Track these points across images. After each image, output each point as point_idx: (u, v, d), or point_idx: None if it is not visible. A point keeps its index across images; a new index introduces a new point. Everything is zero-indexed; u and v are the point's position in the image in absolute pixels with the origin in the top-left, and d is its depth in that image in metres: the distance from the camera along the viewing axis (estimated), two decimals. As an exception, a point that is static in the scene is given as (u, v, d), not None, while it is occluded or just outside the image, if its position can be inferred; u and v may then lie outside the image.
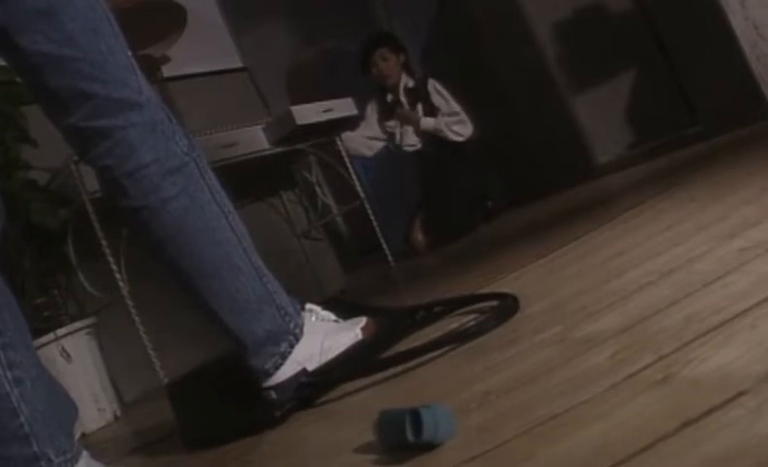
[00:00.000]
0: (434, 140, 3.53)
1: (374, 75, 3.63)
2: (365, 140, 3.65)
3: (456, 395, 0.71)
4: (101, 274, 2.35)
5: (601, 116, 3.27)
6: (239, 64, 3.67)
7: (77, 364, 2.11)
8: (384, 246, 3.18)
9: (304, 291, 1.73)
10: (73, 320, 2.22)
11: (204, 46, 3.32)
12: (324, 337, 1.07)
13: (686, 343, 0.57)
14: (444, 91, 3.52)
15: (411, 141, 3.62)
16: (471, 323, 0.97)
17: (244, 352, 1.01)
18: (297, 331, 1.04)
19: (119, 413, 2.19)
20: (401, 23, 4.38)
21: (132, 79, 0.99)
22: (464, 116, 3.49)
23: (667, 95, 2.88)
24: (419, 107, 3.56)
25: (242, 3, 3.87)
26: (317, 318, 1.12)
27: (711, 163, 1.94)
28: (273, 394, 1.00)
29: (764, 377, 0.45)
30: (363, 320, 1.17)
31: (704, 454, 0.39)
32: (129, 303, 2.24)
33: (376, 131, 3.69)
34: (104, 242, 2.24)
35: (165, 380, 2.13)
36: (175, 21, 2.70)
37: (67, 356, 2.09)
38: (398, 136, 3.65)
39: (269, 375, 1.01)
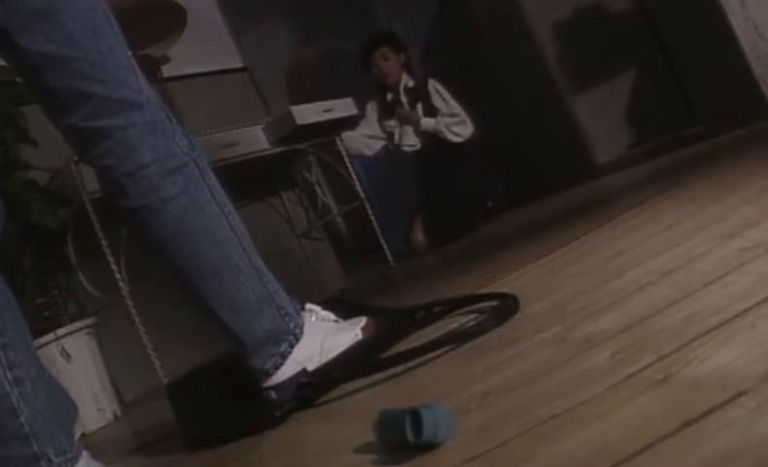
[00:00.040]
0: (433, 140, 3.53)
1: (375, 74, 3.63)
2: (364, 139, 3.65)
3: (456, 395, 0.71)
4: (101, 274, 2.35)
5: (601, 116, 3.28)
6: (239, 64, 3.67)
7: (77, 364, 2.11)
8: (384, 246, 3.18)
9: (304, 291, 1.73)
10: (73, 320, 2.22)
11: (204, 46, 3.32)
12: (324, 337, 1.07)
13: (686, 343, 0.57)
14: (444, 92, 3.52)
15: (410, 141, 3.62)
16: (471, 323, 0.97)
17: (244, 352, 1.01)
18: (297, 331, 1.04)
19: (119, 413, 2.19)
20: (401, 23, 4.38)
21: (132, 79, 0.99)
22: (464, 116, 3.49)
23: (667, 95, 2.88)
24: (419, 107, 3.56)
25: (242, 3, 3.87)
26: (317, 318, 1.12)
27: (711, 163, 1.94)
28: (273, 394, 1.00)
29: (764, 377, 0.45)
30: (363, 320, 1.17)
31: (704, 454, 0.39)
32: (129, 303, 2.24)
33: (376, 130, 3.69)
34: (104, 242, 2.24)
35: (165, 380, 2.13)
36: (175, 21, 2.70)
37: (67, 356, 2.09)
38: (396, 136, 3.65)
39: (269, 375, 1.01)
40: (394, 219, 3.63)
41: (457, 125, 3.48)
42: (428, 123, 3.52)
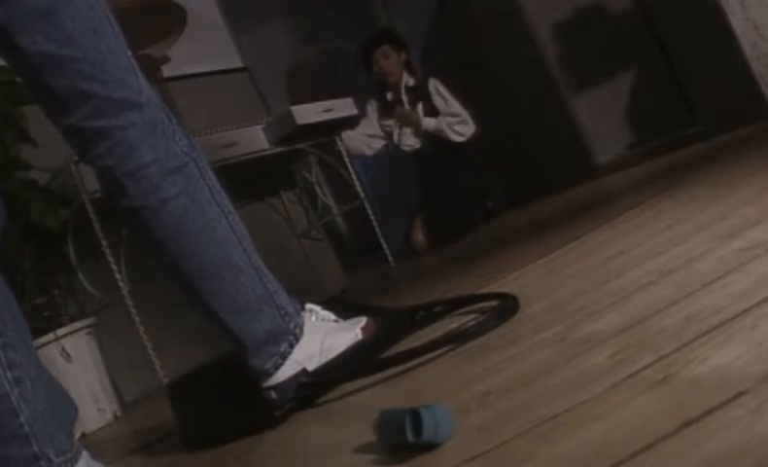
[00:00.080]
0: (433, 140, 3.53)
1: (375, 72, 3.62)
2: (365, 139, 3.65)
3: (456, 395, 0.71)
4: (101, 274, 2.35)
5: (601, 116, 3.28)
6: (239, 64, 3.67)
7: (77, 364, 2.11)
8: (384, 246, 3.18)
9: (304, 291, 1.73)
10: (73, 320, 2.22)
11: (204, 46, 3.32)
12: (324, 337, 1.07)
13: (686, 343, 0.57)
14: (445, 92, 3.51)
15: (410, 141, 3.62)
16: (471, 323, 0.97)
17: (244, 352, 1.01)
18: (297, 331, 1.04)
19: (119, 413, 2.19)
20: (400, 23, 4.38)
21: (132, 79, 0.99)
22: (465, 115, 3.48)
23: (667, 95, 2.88)
24: (420, 106, 3.56)
25: (242, 3, 3.87)
26: (317, 318, 1.12)
27: (711, 163, 1.94)
28: (273, 394, 1.00)
29: (764, 377, 0.45)
30: (363, 320, 1.17)
31: (704, 454, 0.39)
32: (129, 303, 2.24)
33: (376, 130, 3.69)
34: (104, 242, 2.24)
35: (165, 380, 2.13)
36: (175, 21, 2.71)
37: (67, 356, 2.09)
38: (396, 136, 3.65)
39: (269, 375, 1.01)
40: (394, 219, 3.63)
41: (459, 124, 3.48)
42: (429, 123, 3.52)
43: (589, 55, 3.23)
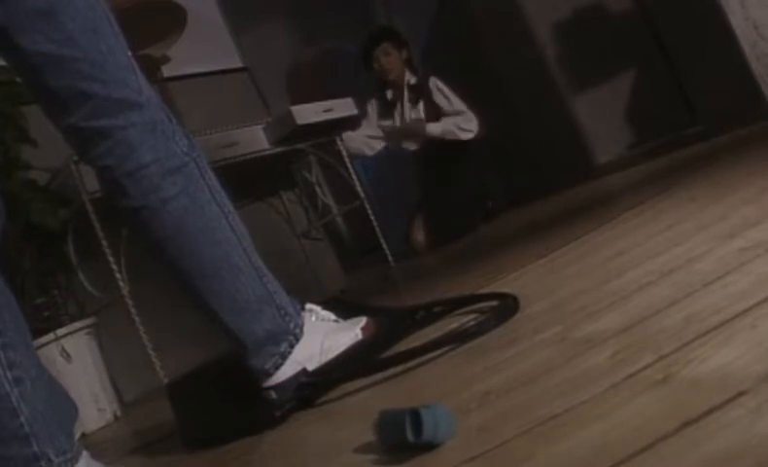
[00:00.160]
0: (433, 140, 3.52)
1: (376, 70, 3.61)
2: (366, 139, 3.64)
3: (456, 395, 0.71)
4: (101, 274, 2.35)
5: (601, 116, 3.27)
6: (239, 64, 3.67)
7: (77, 364, 2.11)
8: (384, 246, 3.18)
9: (304, 291, 1.73)
10: (73, 320, 2.23)
11: (204, 46, 3.32)
12: (324, 337, 1.07)
13: (686, 343, 0.57)
14: (446, 89, 3.49)
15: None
16: (471, 323, 0.97)
17: (244, 352, 1.01)
18: (297, 331, 1.04)
19: (119, 413, 2.19)
20: (401, 23, 4.38)
21: (132, 79, 0.99)
22: (468, 112, 3.47)
23: (667, 95, 2.88)
24: (421, 105, 3.55)
25: (242, 3, 3.87)
26: (317, 318, 1.12)
27: (711, 163, 1.94)
28: (273, 394, 1.00)
29: (764, 377, 0.45)
30: (363, 320, 1.17)
31: (704, 454, 0.39)
32: (129, 302, 2.24)
33: (377, 131, 3.68)
34: (104, 242, 2.24)
35: (165, 380, 2.13)
36: (175, 21, 2.71)
37: (67, 356, 2.09)
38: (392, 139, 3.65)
39: (269, 375, 1.01)
40: (394, 219, 3.63)
41: (464, 121, 3.46)
42: (434, 128, 3.48)
43: (589, 55, 3.23)
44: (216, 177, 1.05)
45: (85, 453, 0.90)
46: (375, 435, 0.62)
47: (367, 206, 3.17)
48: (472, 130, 3.45)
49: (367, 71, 3.65)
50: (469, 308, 1.13)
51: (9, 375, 0.82)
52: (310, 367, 1.03)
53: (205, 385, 1.13)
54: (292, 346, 1.03)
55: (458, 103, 3.47)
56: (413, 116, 3.58)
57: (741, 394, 0.44)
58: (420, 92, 3.56)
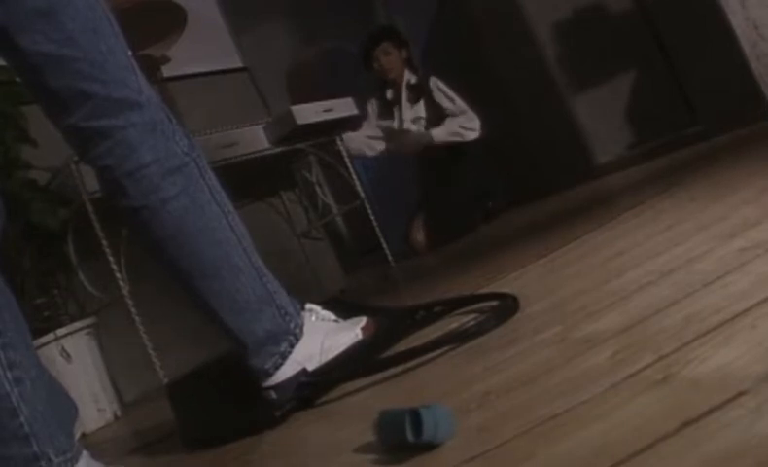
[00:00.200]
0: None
1: (376, 69, 3.60)
2: (366, 140, 3.64)
3: (456, 395, 0.71)
4: (101, 274, 2.35)
5: (601, 116, 3.27)
6: (239, 64, 3.67)
7: (77, 364, 2.11)
8: (384, 246, 3.18)
9: (304, 291, 1.73)
10: (73, 320, 2.23)
11: (204, 46, 3.32)
12: (324, 337, 1.07)
13: (686, 343, 0.57)
14: (447, 89, 3.48)
15: None
16: (471, 323, 0.97)
17: (244, 352, 1.01)
18: (297, 331, 1.04)
19: (119, 413, 2.19)
20: (401, 23, 4.38)
21: (132, 79, 0.99)
22: (470, 112, 3.46)
23: (667, 95, 2.88)
24: (421, 105, 3.55)
25: (242, 3, 3.87)
26: (317, 318, 1.12)
27: (711, 163, 1.94)
28: (273, 394, 1.00)
29: (764, 377, 0.45)
30: (363, 320, 1.17)
31: (704, 454, 0.39)
32: (129, 302, 2.24)
33: (378, 131, 3.68)
34: (104, 242, 2.24)
35: (165, 380, 2.13)
36: (175, 21, 2.71)
37: (67, 356, 2.09)
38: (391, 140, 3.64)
39: (269, 374, 1.01)
40: (394, 219, 3.63)
41: (467, 121, 3.45)
42: (440, 134, 3.46)
43: (589, 55, 3.23)
44: (216, 177, 1.05)
45: (85, 453, 0.90)
46: (375, 435, 0.62)
47: (368, 206, 3.17)
48: (476, 129, 3.44)
49: (367, 71, 3.65)
50: (469, 308, 1.13)
51: (9, 375, 0.82)
52: (310, 367, 1.03)
53: (205, 385, 1.13)
54: (292, 346, 1.03)
55: (460, 103, 3.47)
56: (413, 115, 3.58)
57: (741, 394, 0.44)
58: (420, 92, 3.55)
